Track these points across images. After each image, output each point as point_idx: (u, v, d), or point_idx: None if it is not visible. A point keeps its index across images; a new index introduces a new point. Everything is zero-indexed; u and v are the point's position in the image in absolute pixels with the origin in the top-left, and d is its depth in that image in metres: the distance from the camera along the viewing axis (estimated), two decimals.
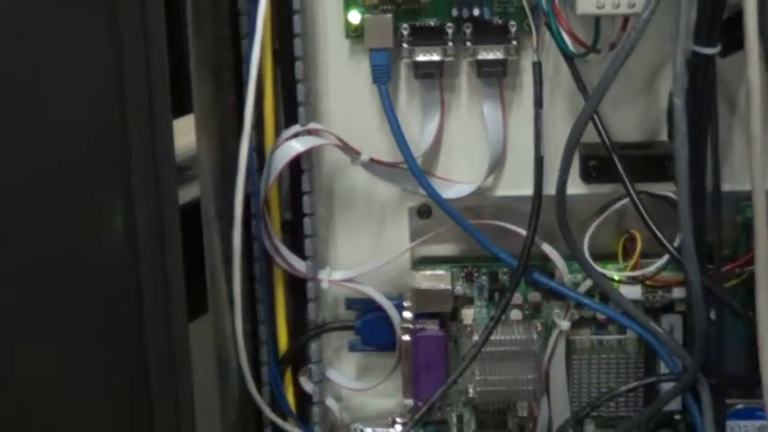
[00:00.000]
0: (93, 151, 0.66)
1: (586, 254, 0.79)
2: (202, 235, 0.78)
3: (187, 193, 0.77)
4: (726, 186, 0.78)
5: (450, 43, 0.78)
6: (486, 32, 0.78)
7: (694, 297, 0.74)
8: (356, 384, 0.86)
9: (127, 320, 0.68)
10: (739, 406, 0.81)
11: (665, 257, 0.79)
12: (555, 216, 0.77)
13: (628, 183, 0.76)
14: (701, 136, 0.75)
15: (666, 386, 0.82)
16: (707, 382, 0.78)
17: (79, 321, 0.67)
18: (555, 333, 0.82)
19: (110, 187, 0.67)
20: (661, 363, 0.82)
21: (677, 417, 0.84)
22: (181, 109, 0.75)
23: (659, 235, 0.77)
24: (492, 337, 0.81)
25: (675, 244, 0.77)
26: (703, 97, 0.74)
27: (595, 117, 0.76)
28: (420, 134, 0.81)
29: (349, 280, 0.83)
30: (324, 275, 0.83)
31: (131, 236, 0.68)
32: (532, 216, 0.78)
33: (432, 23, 0.79)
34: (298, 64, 0.79)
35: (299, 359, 0.85)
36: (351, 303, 0.84)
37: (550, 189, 0.77)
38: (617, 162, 0.77)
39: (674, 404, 0.82)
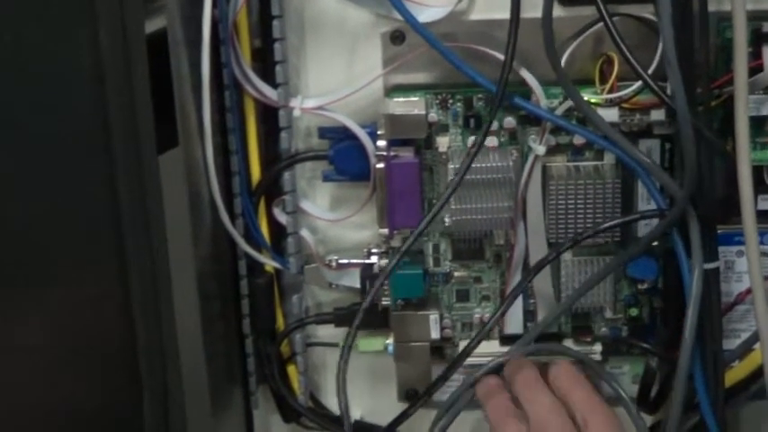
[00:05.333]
0: None
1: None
2: (170, 65, 0.76)
3: (154, 23, 0.75)
4: None
5: None
6: None
7: (682, 125, 0.73)
8: (331, 215, 0.85)
9: (95, 157, 0.67)
10: (718, 231, 0.80)
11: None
12: (531, 40, 0.76)
13: (601, 4, 0.74)
14: None
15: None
16: (695, 213, 0.77)
17: (45, 159, 0.65)
18: (531, 159, 0.81)
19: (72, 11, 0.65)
20: (639, 186, 0.81)
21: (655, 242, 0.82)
22: None
23: (632, 60, 0.75)
24: None
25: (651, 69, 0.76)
26: None
27: None
28: None
29: (321, 108, 0.81)
30: (295, 103, 0.81)
31: (96, 66, 0.65)
32: (510, 38, 0.76)
33: None
34: None
35: (272, 190, 0.84)
36: (324, 132, 0.83)
37: (525, 12, 0.75)
38: None
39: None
